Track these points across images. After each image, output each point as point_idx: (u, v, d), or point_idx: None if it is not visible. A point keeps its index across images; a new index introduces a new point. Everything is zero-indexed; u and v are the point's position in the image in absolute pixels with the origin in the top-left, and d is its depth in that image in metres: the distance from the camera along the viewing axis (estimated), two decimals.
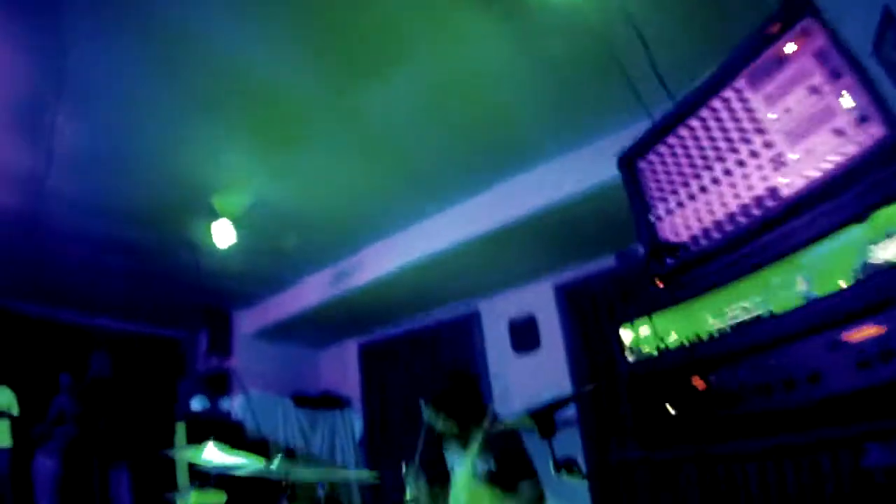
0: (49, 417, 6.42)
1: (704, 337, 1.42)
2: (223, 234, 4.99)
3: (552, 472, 2.22)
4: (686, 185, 1.73)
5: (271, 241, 5.67)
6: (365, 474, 3.23)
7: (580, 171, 4.41)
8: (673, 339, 1.53)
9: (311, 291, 6.53)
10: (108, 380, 7.75)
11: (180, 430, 2.89)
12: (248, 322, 7.63)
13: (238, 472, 2.90)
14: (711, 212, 1.64)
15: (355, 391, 7.70)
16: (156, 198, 4.88)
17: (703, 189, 1.68)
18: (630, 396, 1.83)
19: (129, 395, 7.38)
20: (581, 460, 2.26)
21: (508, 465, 3.07)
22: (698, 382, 1.45)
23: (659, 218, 1.82)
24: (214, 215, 4.98)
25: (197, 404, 6.42)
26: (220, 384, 7.41)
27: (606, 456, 5.08)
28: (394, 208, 5.31)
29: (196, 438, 3.22)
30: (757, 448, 1.37)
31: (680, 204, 1.75)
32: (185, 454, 2.90)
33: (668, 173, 1.81)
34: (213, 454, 2.91)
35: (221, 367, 7.62)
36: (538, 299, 5.96)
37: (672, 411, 1.55)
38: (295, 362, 8.01)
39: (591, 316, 5.60)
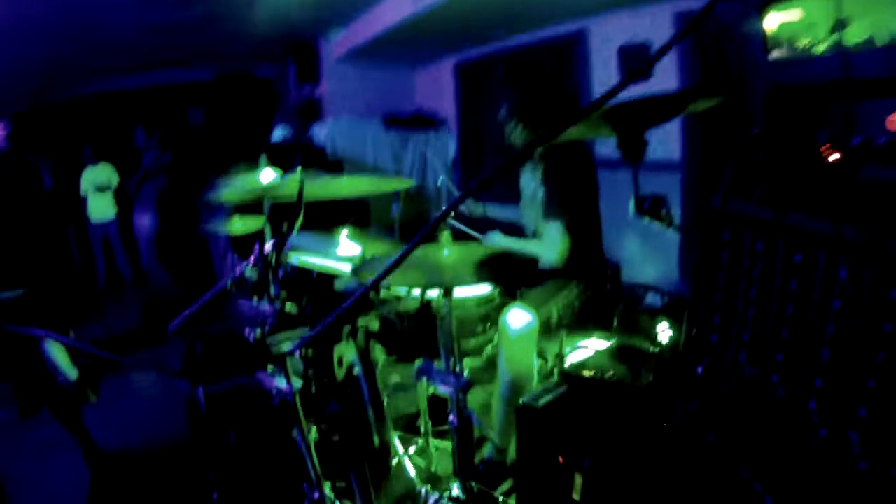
0: (139, 174, 6.63)
1: None
2: None
3: (631, 211, 1.66)
4: None
5: None
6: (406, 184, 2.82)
7: None
8: (859, 33, 0.85)
9: (398, 6, 5.76)
10: (201, 129, 7.83)
11: (262, 160, 2.56)
12: (335, 47, 7.12)
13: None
14: None
15: (451, 112, 7.24)
16: None
17: None
18: (768, 119, 1.20)
19: (223, 139, 7.45)
20: (676, 209, 1.67)
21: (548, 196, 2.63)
22: None
23: None
24: None
25: (279, 134, 6.24)
26: (310, 113, 7.22)
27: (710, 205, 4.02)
28: None
29: (277, 166, 2.93)
30: None
31: None
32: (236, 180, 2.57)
33: None
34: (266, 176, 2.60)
35: (311, 96, 7.38)
36: (655, 26, 4.88)
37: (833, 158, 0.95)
38: (387, 84, 7.55)
39: (714, 51, 4.52)
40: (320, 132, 6.66)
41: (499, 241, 2.80)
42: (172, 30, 6.10)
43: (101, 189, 6.87)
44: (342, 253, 2.95)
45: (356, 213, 5.50)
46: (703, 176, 4.32)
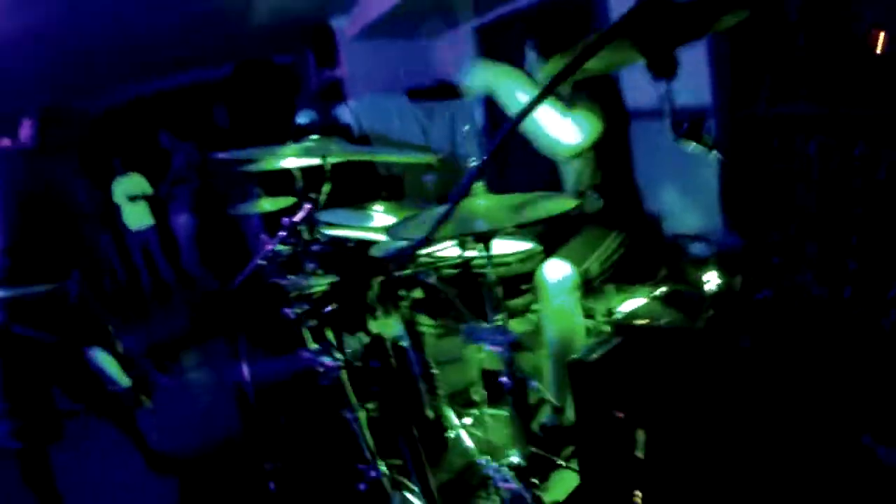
0: (169, 177, 6.66)
1: None
2: None
3: (670, 135, 1.50)
4: None
5: None
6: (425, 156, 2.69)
7: None
8: None
9: None
10: (227, 130, 7.84)
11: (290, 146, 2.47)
12: (349, 25, 7.02)
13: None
14: None
15: None
16: None
17: None
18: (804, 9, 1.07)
19: (248, 131, 7.43)
20: (709, 124, 1.50)
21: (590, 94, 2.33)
22: None
23: None
24: None
25: (303, 118, 6.17)
26: (332, 95, 7.15)
27: (753, 113, 3.32)
28: None
29: None
30: None
31: None
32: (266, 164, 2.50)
33: None
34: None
35: (332, 78, 7.29)
36: None
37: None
38: (406, 57, 7.35)
39: None
40: (344, 113, 6.57)
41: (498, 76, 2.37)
42: (186, 28, 6.08)
43: (133, 199, 6.91)
44: (377, 225, 2.88)
45: (389, 187, 5.41)
46: (736, 74, 3.85)
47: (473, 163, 1.83)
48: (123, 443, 3.17)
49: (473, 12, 6.54)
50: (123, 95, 8.10)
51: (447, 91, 6.86)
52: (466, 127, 2.86)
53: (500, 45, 6.60)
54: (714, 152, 1.55)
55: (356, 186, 3.57)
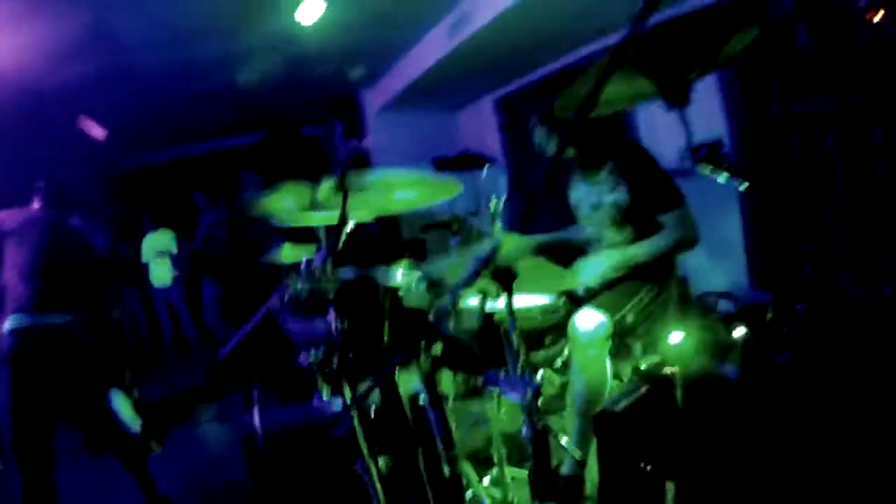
0: (198, 239, 6.76)
1: None
2: (311, 10, 4.68)
3: (689, 162, 1.48)
4: None
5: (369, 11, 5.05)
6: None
7: None
8: None
9: (430, 49, 5.80)
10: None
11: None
12: (375, 98, 7.29)
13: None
14: None
15: (496, 148, 7.25)
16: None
17: None
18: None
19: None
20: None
21: (646, 193, 2.41)
22: None
23: None
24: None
25: None
26: (360, 165, 7.27)
27: (767, 122, 3.21)
28: None
29: None
30: None
31: None
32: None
33: None
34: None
35: (359, 150, 7.45)
36: None
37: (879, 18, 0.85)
38: (431, 128, 7.63)
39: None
40: None
41: (605, 262, 2.45)
42: (218, 99, 6.31)
43: (161, 255, 7.02)
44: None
45: (413, 249, 5.42)
46: (747, 86, 3.75)
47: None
48: (131, 485, 3.11)
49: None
50: (155, 158, 8.35)
51: (471, 161, 6.99)
52: (493, 199, 2.85)
53: (520, 115, 6.73)
54: (736, 181, 1.52)
55: (380, 247, 3.58)
